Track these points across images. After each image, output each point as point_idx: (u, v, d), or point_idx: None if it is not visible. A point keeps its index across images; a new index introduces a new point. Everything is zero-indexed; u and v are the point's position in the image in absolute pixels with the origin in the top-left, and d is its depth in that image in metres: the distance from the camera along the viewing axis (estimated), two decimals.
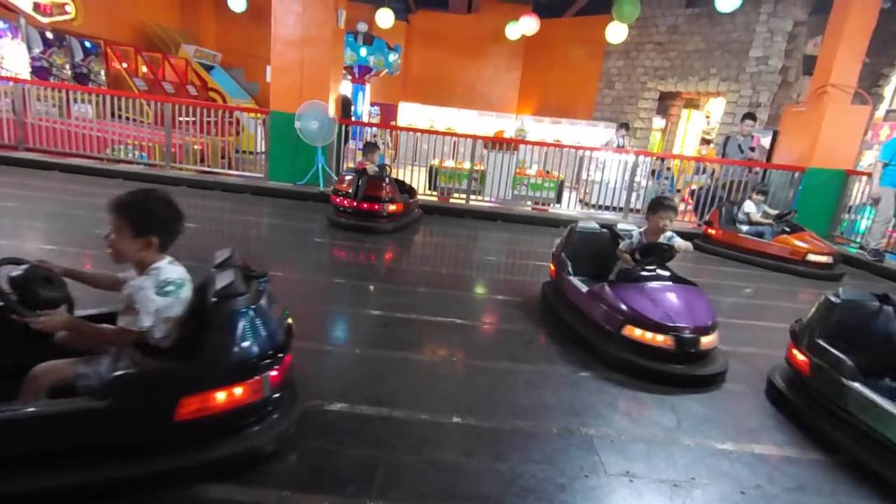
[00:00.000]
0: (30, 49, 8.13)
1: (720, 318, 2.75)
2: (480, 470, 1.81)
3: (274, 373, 1.71)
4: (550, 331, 3.17)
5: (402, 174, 7.15)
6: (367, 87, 11.79)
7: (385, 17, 10.14)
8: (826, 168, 6.73)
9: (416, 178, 7.33)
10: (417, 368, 2.55)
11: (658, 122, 12.43)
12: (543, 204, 7.87)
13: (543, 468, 1.85)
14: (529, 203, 7.85)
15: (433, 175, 8.00)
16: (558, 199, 8.12)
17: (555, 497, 1.72)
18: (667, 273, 2.95)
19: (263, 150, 7.39)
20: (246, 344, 1.64)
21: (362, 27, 10.73)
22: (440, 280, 4.11)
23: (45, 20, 8.29)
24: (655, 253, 2.99)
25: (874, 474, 1.96)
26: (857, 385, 2.11)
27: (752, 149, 7.25)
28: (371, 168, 5.64)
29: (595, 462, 1.92)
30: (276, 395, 1.78)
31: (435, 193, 7.66)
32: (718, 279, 4.94)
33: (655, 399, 2.44)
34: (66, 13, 8.55)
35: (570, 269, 3.37)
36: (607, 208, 7.74)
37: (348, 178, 5.40)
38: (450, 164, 7.95)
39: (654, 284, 2.83)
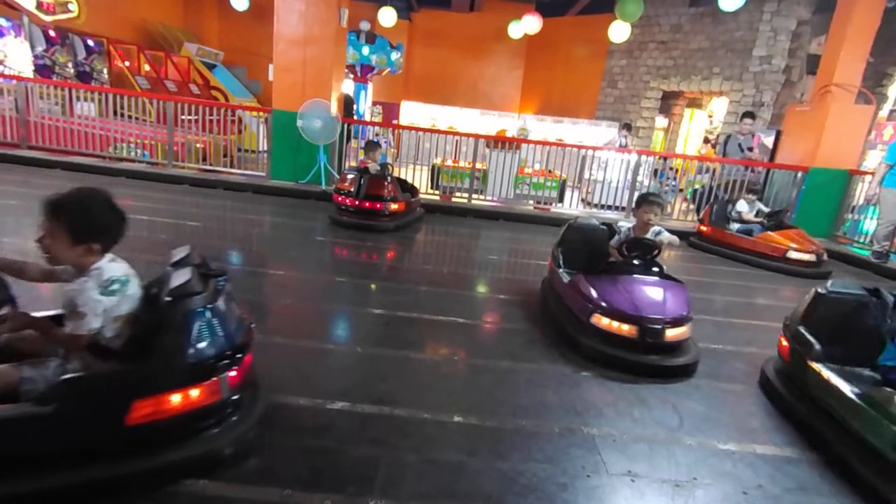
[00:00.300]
0: (33, 47, 8.15)
1: (720, 317, 2.76)
2: (482, 469, 1.81)
3: (233, 373, 1.67)
4: (552, 330, 3.17)
5: (405, 173, 7.15)
6: (370, 85, 11.79)
7: (387, 16, 10.14)
8: (829, 168, 6.71)
9: (419, 177, 7.33)
10: (419, 367, 2.55)
11: (661, 121, 12.40)
12: (546, 203, 7.86)
13: (545, 467, 1.85)
14: (531, 202, 7.84)
15: (435, 174, 7.99)
16: (560, 199, 8.10)
17: (556, 496, 1.71)
18: (654, 268, 3.00)
19: (265, 148, 7.40)
20: (202, 344, 1.60)
21: (365, 26, 10.73)
22: (442, 279, 4.11)
23: (48, 18, 8.31)
24: (640, 247, 3.06)
25: (841, 463, 1.99)
26: (818, 365, 2.19)
27: (751, 148, 7.23)
28: (373, 167, 5.64)
29: (597, 461, 1.92)
30: (236, 397, 1.73)
31: (437, 192, 7.66)
32: (710, 277, 4.93)
33: (657, 399, 2.44)
34: (70, 11, 8.57)
35: (560, 261, 3.42)
36: (609, 207, 7.73)
37: (350, 176, 5.40)
38: (462, 163, 7.94)
39: (631, 277, 2.89)
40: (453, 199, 7.36)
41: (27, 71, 7.93)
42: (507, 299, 3.71)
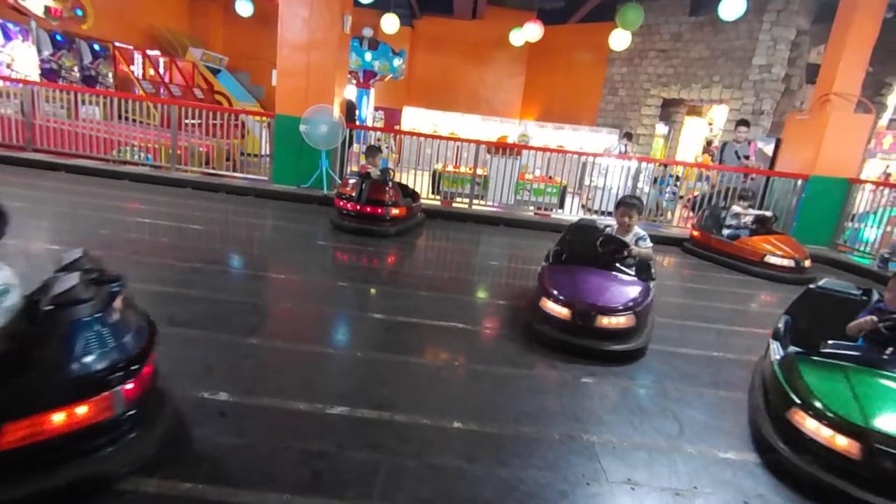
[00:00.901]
0: (39, 51, 8.21)
1: (722, 324, 2.76)
2: (482, 475, 1.81)
3: (129, 386, 1.55)
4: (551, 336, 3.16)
5: (406, 178, 7.17)
6: (372, 91, 11.85)
7: (390, 23, 10.21)
8: (829, 176, 6.73)
9: (420, 183, 7.35)
10: (419, 372, 2.55)
11: (661, 128, 12.45)
12: (546, 209, 7.88)
13: (545, 474, 1.85)
14: (532, 208, 7.86)
15: (436, 179, 8.02)
16: (561, 205, 8.12)
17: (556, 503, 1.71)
18: (622, 265, 3.20)
19: (268, 153, 7.43)
20: (89, 357, 1.47)
21: (368, 32, 10.80)
22: (442, 284, 4.12)
23: (55, 23, 8.37)
24: (612, 245, 3.24)
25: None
26: (774, 342, 2.33)
27: (748, 156, 7.25)
28: (374, 171, 5.66)
29: (597, 469, 1.92)
30: (133, 411, 1.60)
31: (438, 198, 7.68)
32: (708, 284, 4.94)
33: (658, 407, 2.44)
34: (77, 16, 8.63)
35: (549, 257, 3.52)
36: (609, 214, 7.73)
37: (352, 181, 5.42)
38: (463, 168, 7.96)
39: (586, 269, 3.13)
40: (454, 205, 7.38)
41: (34, 75, 7.98)
42: (507, 305, 3.71)
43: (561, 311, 2.85)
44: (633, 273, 3.22)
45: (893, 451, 1.68)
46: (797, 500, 1.87)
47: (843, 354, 2.16)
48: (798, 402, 2.00)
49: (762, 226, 5.75)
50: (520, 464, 1.89)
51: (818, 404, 1.92)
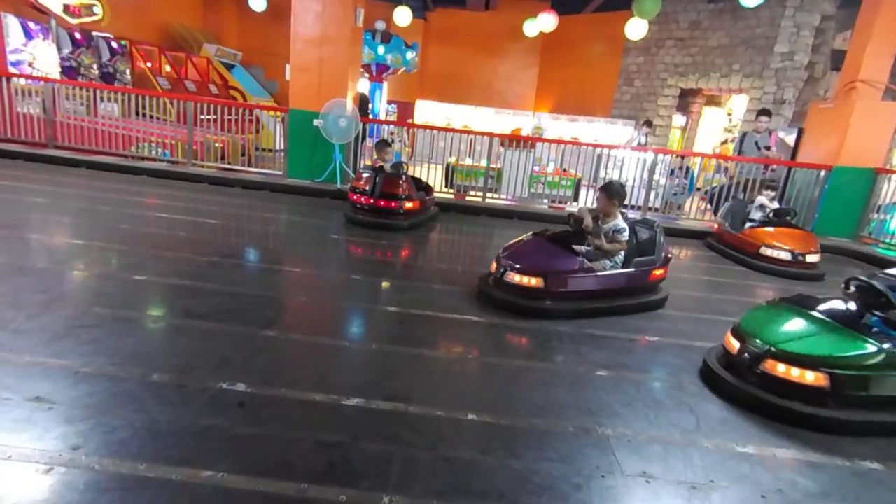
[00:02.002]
0: (59, 49, 8.35)
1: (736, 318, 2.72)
2: (495, 467, 1.81)
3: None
4: (567, 329, 3.16)
5: (419, 172, 7.17)
6: (385, 85, 11.85)
7: (403, 16, 10.17)
8: (854, 166, 6.56)
9: (433, 176, 7.34)
10: (433, 365, 2.56)
11: (678, 119, 12.25)
12: (560, 202, 7.81)
13: (559, 467, 1.85)
14: (546, 201, 7.81)
15: (450, 172, 8.00)
16: (575, 197, 8.05)
17: (570, 496, 1.71)
18: (580, 244, 3.53)
19: (282, 147, 7.48)
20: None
21: (380, 25, 10.78)
22: (456, 277, 4.11)
23: (74, 21, 8.51)
24: (577, 225, 3.56)
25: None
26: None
27: (769, 147, 7.09)
28: (387, 165, 5.67)
29: (611, 462, 1.91)
30: None
31: (451, 191, 7.67)
32: (722, 277, 4.86)
33: (674, 401, 2.42)
34: (94, 14, 8.76)
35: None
36: (625, 206, 7.64)
37: (366, 175, 5.43)
38: (468, 161, 7.94)
39: (539, 239, 3.51)
40: (467, 198, 7.36)
41: (54, 72, 8.13)
42: None
43: (492, 266, 3.45)
44: (584, 251, 3.45)
45: (756, 350, 2.43)
46: (817, 497, 1.84)
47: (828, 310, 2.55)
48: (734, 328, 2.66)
49: (779, 218, 5.59)
50: (533, 456, 1.89)
51: (741, 325, 2.62)
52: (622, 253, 3.52)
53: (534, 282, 3.24)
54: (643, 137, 9.40)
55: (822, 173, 6.76)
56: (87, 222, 4.49)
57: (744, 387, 2.43)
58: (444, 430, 2.00)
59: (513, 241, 3.57)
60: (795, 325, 2.47)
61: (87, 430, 1.77)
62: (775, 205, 5.71)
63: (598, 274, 3.36)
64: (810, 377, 2.25)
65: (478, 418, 2.09)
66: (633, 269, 3.48)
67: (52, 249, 3.70)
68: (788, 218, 5.56)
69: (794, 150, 7.71)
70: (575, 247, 3.54)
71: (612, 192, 3.52)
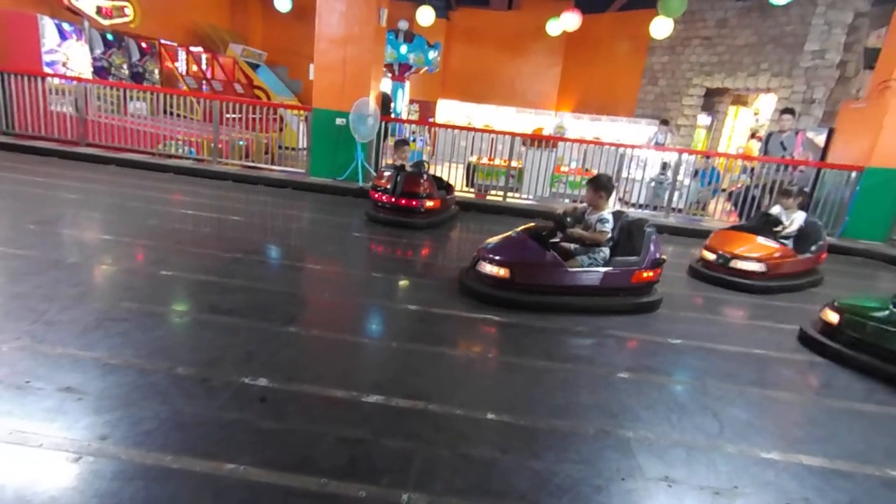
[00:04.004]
0: (92, 50, 8.59)
1: (769, 322, 2.67)
2: (515, 467, 1.80)
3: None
4: (588, 330, 3.13)
5: (440, 171, 7.18)
6: (407, 84, 11.88)
7: (426, 15, 10.18)
8: (887, 167, 6.35)
9: (454, 175, 7.34)
10: (453, 364, 2.56)
11: (703, 119, 12.02)
12: (582, 201, 7.74)
13: (579, 468, 1.83)
14: (567, 201, 7.74)
15: (471, 172, 7.99)
16: None
17: (591, 498, 1.69)
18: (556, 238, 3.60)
19: (305, 146, 7.56)
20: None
21: (403, 25, 10.81)
22: None
23: (106, 22, 8.74)
24: (559, 218, 3.54)
25: None
26: None
27: (784, 147, 6.85)
28: (408, 164, 5.69)
29: (632, 465, 1.88)
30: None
31: (472, 190, 7.66)
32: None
33: (697, 404, 2.37)
34: (126, 15, 8.99)
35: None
36: (646, 207, 7.54)
37: (387, 174, 5.46)
38: (490, 160, 7.91)
39: (518, 234, 3.51)
40: (488, 198, 7.34)
41: (86, 72, 8.37)
42: None
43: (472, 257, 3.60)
44: (572, 248, 3.53)
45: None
46: None
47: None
48: None
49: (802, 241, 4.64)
50: (554, 457, 1.88)
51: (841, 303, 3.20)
52: (605, 251, 3.48)
53: (502, 272, 3.29)
54: (661, 137, 9.25)
55: (854, 175, 6.56)
56: (117, 218, 4.61)
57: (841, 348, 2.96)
58: (465, 428, 2.00)
59: (499, 236, 3.58)
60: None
61: (115, 420, 1.82)
62: (795, 220, 4.61)
63: (570, 269, 3.31)
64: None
65: (497, 418, 2.09)
66: (610, 269, 3.41)
67: (83, 244, 3.81)
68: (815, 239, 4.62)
69: (824, 151, 7.50)
70: (563, 244, 3.59)
71: (599, 185, 3.54)
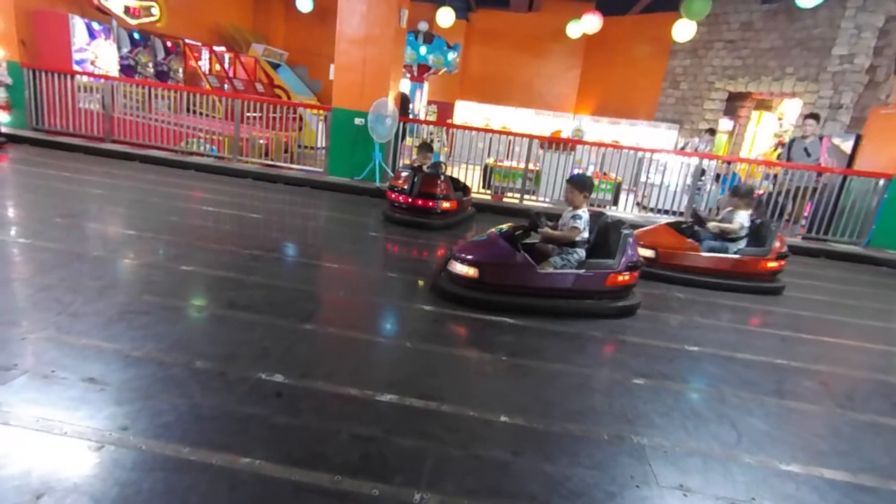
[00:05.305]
0: (119, 49, 8.79)
1: (788, 332, 2.61)
2: (528, 470, 1.80)
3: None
4: (603, 334, 3.10)
5: (457, 172, 7.18)
6: (426, 85, 11.91)
7: (446, 16, 10.20)
8: None
9: (471, 177, 7.34)
10: (467, 365, 2.56)
11: (725, 123, 11.82)
12: (599, 206, 7.68)
13: (592, 474, 1.82)
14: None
15: (488, 173, 7.98)
16: (615, 202, 7.90)
17: None
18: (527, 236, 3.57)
19: (324, 145, 7.63)
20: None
21: (423, 26, 10.84)
22: None
23: (133, 22, 8.93)
24: (531, 218, 3.53)
25: None
26: None
27: (809, 154, 6.70)
28: (426, 165, 5.71)
29: (646, 472, 1.86)
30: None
31: (489, 192, 7.65)
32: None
33: (714, 413, 2.34)
34: (152, 15, 9.18)
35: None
36: (666, 212, 7.44)
37: (404, 174, 5.48)
38: (506, 163, 7.90)
39: (490, 232, 3.51)
40: (504, 200, 7.33)
41: (113, 71, 8.56)
42: None
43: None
44: (550, 249, 3.53)
45: None
46: None
47: None
48: None
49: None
50: (567, 461, 1.87)
51: None
52: (580, 252, 3.44)
53: (471, 272, 3.28)
54: (703, 145, 9.14)
55: (882, 182, 6.39)
56: (140, 213, 4.71)
57: None
58: (477, 429, 2.00)
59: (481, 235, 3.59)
60: None
61: (135, 411, 1.86)
62: (735, 220, 4.46)
63: (540, 271, 3.28)
64: None
65: (510, 420, 2.08)
66: (582, 271, 3.35)
67: (107, 238, 3.90)
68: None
69: (851, 158, 7.33)
70: (541, 245, 3.59)
71: (580, 184, 3.52)
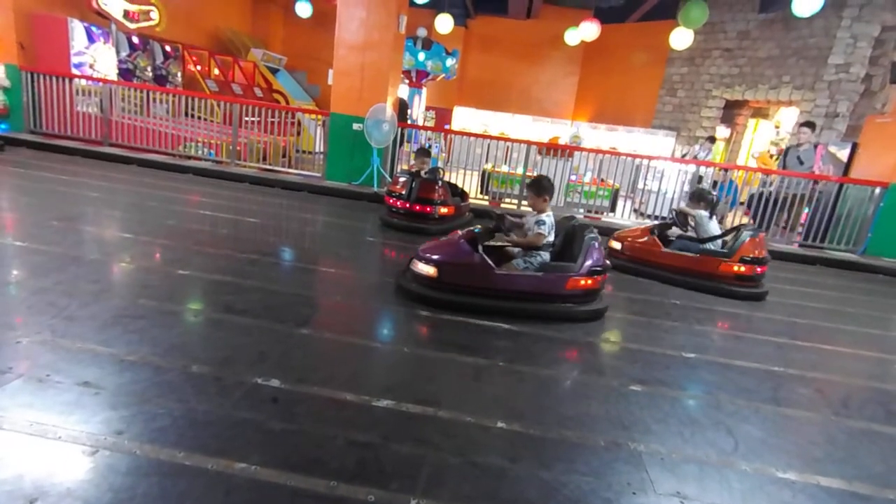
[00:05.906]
0: (118, 52, 8.80)
1: (783, 338, 2.62)
2: (524, 476, 1.79)
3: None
4: (601, 341, 3.10)
5: (455, 177, 7.20)
6: (424, 91, 11.96)
7: (444, 23, 10.26)
8: None
9: (469, 182, 7.36)
10: (463, 371, 2.56)
11: (722, 131, 11.90)
12: (596, 212, 7.70)
13: (589, 480, 1.81)
14: (582, 211, 7.71)
15: (485, 179, 8.00)
16: (612, 208, 7.92)
17: None
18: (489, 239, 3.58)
19: (322, 150, 7.64)
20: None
21: (422, 32, 10.91)
22: None
23: (132, 26, 8.95)
24: (496, 220, 3.61)
25: None
26: None
27: (802, 162, 6.75)
28: (424, 170, 5.72)
29: (643, 479, 1.86)
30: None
31: (486, 198, 7.66)
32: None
33: (710, 420, 2.34)
34: (152, 20, 9.20)
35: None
36: (663, 218, 7.45)
37: (402, 179, 5.49)
38: (504, 168, 7.92)
39: (455, 233, 3.51)
40: (502, 205, 7.34)
41: (112, 74, 8.56)
42: None
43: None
44: (515, 252, 3.56)
45: None
46: None
47: None
48: None
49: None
50: (563, 468, 1.86)
51: None
52: (544, 255, 3.45)
53: (431, 271, 3.29)
54: (703, 152, 9.20)
55: (878, 190, 6.43)
56: (136, 217, 4.70)
57: None
58: (474, 436, 1.99)
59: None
60: None
61: (130, 416, 1.85)
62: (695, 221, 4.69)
63: (498, 272, 3.27)
64: None
65: (507, 426, 2.08)
66: (540, 273, 3.34)
67: (103, 242, 3.89)
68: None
69: (847, 166, 7.37)
70: (508, 248, 3.60)
71: (541, 188, 3.50)
